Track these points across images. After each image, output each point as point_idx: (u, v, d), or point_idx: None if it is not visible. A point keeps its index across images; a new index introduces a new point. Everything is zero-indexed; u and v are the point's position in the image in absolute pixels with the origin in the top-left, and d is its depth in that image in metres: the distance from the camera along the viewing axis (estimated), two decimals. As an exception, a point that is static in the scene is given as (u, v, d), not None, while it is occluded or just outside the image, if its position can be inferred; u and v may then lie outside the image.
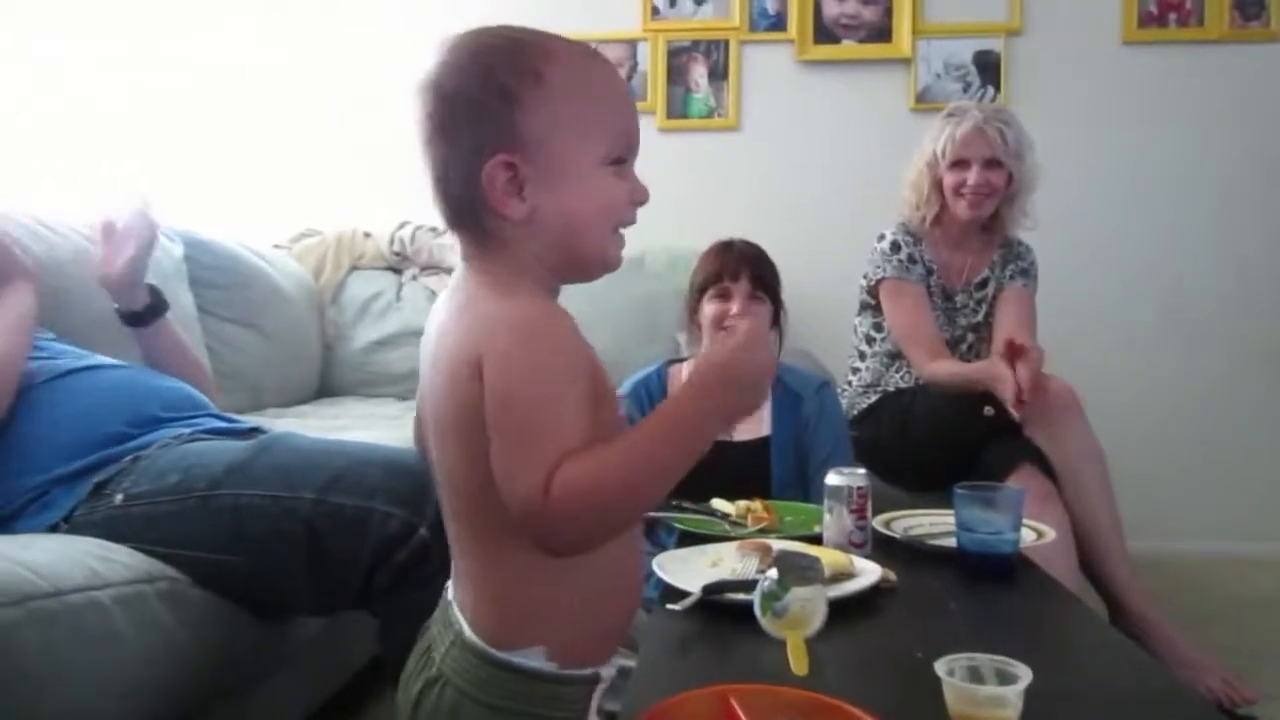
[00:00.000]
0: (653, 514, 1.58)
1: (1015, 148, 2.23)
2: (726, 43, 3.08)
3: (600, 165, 0.83)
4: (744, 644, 1.00)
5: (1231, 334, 3.00)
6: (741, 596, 1.06)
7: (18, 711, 0.98)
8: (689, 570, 1.23)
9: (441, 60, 0.82)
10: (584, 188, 0.83)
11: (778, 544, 1.33)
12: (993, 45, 3.01)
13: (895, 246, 2.30)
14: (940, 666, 0.81)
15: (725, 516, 1.57)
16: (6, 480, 1.37)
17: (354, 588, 1.28)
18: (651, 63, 3.09)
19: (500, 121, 0.80)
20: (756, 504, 1.58)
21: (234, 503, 1.29)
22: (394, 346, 2.83)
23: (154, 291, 1.70)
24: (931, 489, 1.95)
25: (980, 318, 2.35)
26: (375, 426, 2.25)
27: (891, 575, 1.24)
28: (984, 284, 2.35)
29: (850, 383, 2.41)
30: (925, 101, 3.01)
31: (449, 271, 0.78)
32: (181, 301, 2.30)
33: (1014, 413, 1.98)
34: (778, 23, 3.08)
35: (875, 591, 1.19)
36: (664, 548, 1.52)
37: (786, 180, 3.08)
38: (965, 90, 3.01)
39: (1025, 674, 0.79)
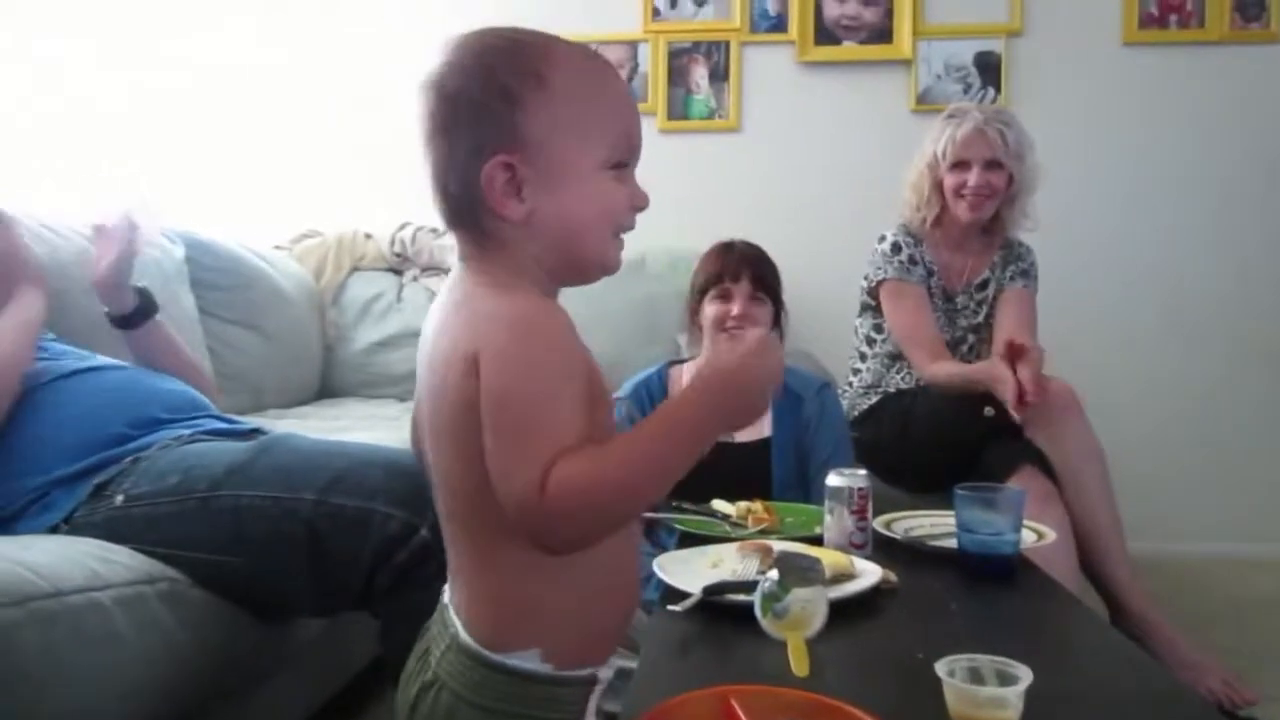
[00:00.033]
0: (653, 515, 1.58)
1: (1016, 149, 2.23)
2: (727, 44, 3.09)
3: (600, 169, 0.83)
4: (744, 645, 1.00)
5: (1232, 335, 3.00)
6: (742, 597, 1.06)
7: (18, 712, 0.98)
8: (689, 571, 1.23)
9: (445, 60, 0.83)
10: (583, 191, 0.83)
11: (778, 545, 1.33)
12: (993, 46, 3.01)
13: (896, 248, 2.30)
14: (941, 667, 0.81)
15: (726, 518, 1.56)
16: (8, 481, 1.37)
17: (354, 589, 1.27)
18: (652, 64, 3.09)
19: (501, 122, 0.80)
20: (757, 505, 1.58)
21: (234, 504, 1.29)
22: (395, 348, 2.84)
23: (142, 294, 1.69)
24: (932, 490, 1.95)
25: (981, 319, 2.35)
26: (376, 427, 2.26)
27: (892, 576, 1.24)
28: (984, 285, 2.35)
29: (851, 384, 2.41)
30: (926, 103, 3.01)
31: (449, 273, 0.78)
32: (183, 303, 2.30)
33: (1015, 414, 1.98)
34: (778, 24, 3.08)
35: (876, 592, 1.19)
36: (664, 549, 1.52)
37: (787, 181, 3.08)
38: (966, 91, 3.01)
39: (1026, 675, 0.79)
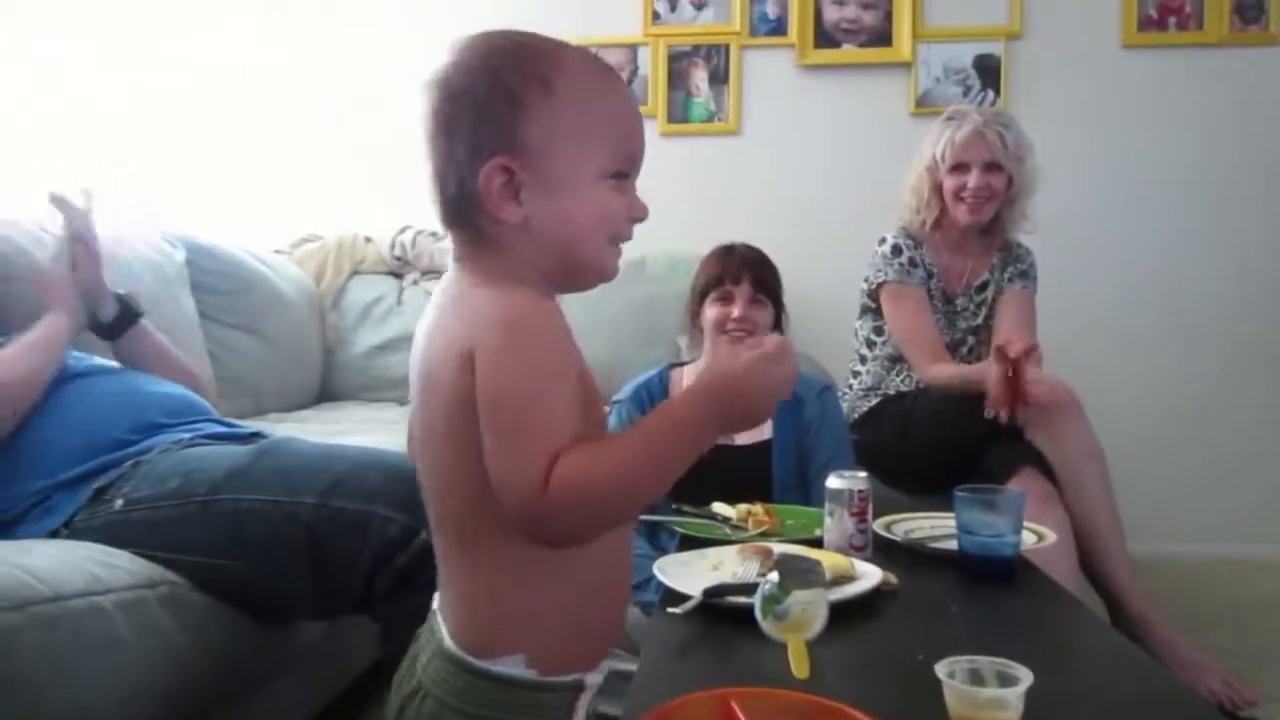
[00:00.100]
0: (654, 517, 1.59)
1: (1015, 151, 2.23)
2: (727, 47, 3.09)
3: (600, 178, 0.83)
4: (745, 647, 1.00)
5: (1231, 337, 3.00)
6: (742, 600, 1.06)
7: (18, 716, 0.98)
8: (690, 573, 1.23)
9: (451, 59, 0.82)
10: (581, 198, 0.82)
11: (779, 547, 1.33)
12: (993, 49, 3.01)
13: (896, 250, 2.30)
14: (941, 669, 0.82)
15: (726, 520, 1.57)
16: (10, 485, 1.37)
17: (354, 592, 1.27)
18: (652, 67, 3.10)
19: (503, 125, 0.80)
20: (757, 507, 1.58)
21: (234, 507, 1.29)
22: (395, 351, 2.84)
23: (123, 300, 1.66)
24: (932, 492, 1.95)
25: (980, 321, 2.36)
26: (376, 431, 2.25)
27: (892, 578, 1.24)
28: (984, 287, 2.35)
29: (851, 386, 2.41)
30: (925, 105, 3.01)
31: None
32: (184, 307, 2.30)
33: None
34: (778, 27, 3.08)
35: (876, 594, 1.19)
36: (665, 551, 1.53)
37: (787, 184, 3.08)
38: (965, 94, 3.01)
39: (1026, 676, 0.79)
